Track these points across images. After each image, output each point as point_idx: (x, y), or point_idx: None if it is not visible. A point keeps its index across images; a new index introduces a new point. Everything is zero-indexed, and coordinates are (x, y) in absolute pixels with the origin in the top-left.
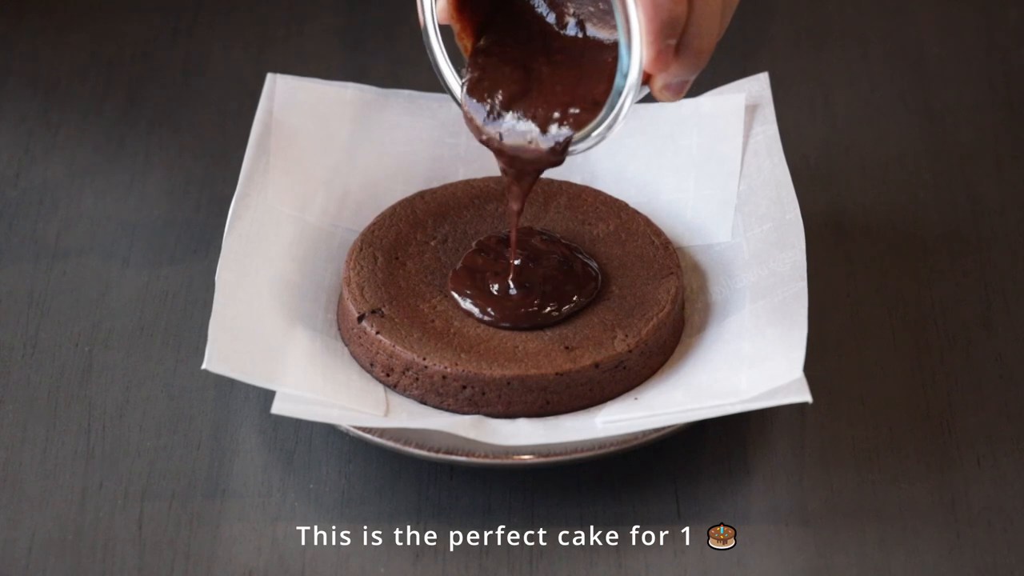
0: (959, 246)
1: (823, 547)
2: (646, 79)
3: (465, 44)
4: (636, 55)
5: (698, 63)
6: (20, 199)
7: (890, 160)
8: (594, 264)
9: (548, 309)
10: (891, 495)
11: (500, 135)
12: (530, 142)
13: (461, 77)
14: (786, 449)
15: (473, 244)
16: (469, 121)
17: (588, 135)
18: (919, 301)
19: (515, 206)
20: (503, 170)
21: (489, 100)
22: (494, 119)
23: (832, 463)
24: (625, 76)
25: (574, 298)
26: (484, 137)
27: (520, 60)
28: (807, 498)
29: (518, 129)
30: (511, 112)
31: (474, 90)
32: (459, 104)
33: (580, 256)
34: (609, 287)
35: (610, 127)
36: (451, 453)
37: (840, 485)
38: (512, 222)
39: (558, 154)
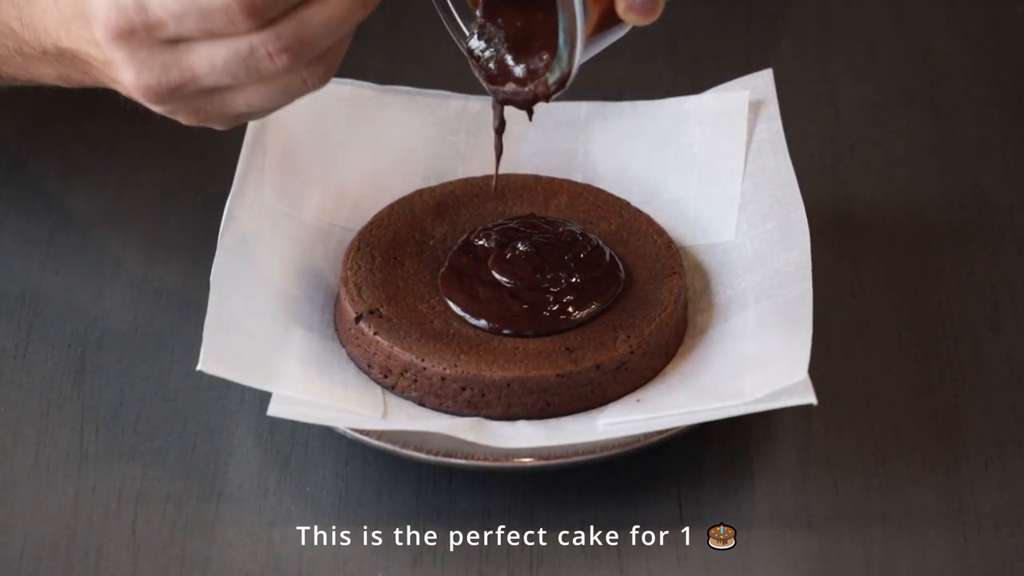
0: (966, 245)
1: (828, 551)
2: (605, 4)
3: None
4: None
5: None
6: (12, 198)
7: (896, 158)
8: (619, 264)
9: (561, 317)
10: (897, 498)
11: (503, 77)
12: (523, 80)
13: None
14: (790, 452)
15: (459, 240)
16: (475, 65)
17: (557, 64)
18: (925, 301)
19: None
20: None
21: (495, 45)
22: (498, 62)
23: (837, 466)
24: (561, 2)
25: (591, 306)
26: (488, 81)
27: (526, 7)
28: (811, 501)
29: (517, 70)
30: (514, 55)
31: (482, 34)
32: (466, 51)
33: (606, 255)
34: None
35: (568, 50)
36: (450, 456)
37: (845, 488)
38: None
39: (546, 89)
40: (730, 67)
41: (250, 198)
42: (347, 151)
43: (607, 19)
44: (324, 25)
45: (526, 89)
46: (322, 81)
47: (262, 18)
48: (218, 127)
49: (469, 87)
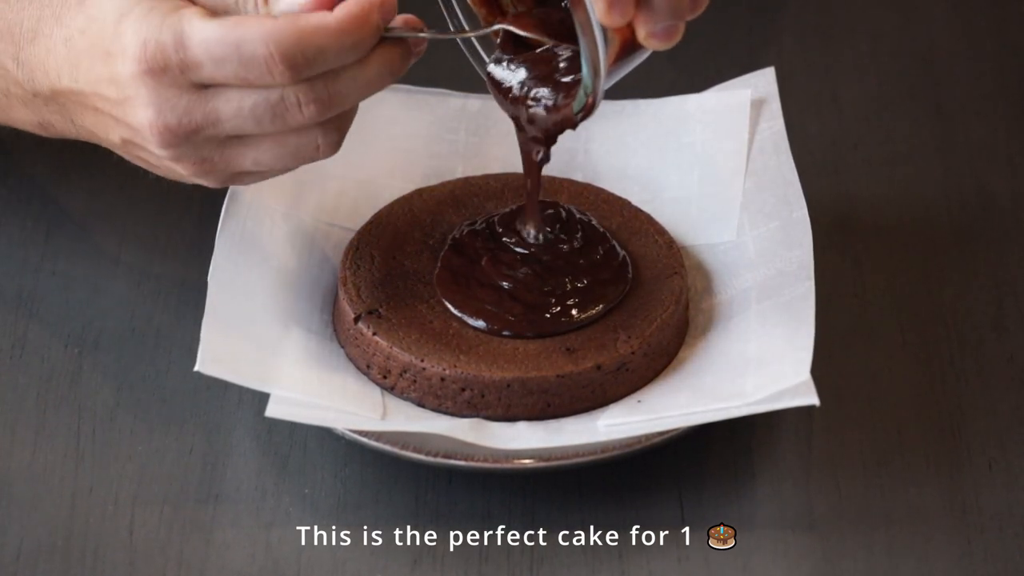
0: (969, 245)
1: (830, 553)
2: (626, 32)
3: (482, 13)
4: (585, 8)
5: (672, 5)
6: (8, 197)
7: (899, 157)
8: (629, 266)
9: (563, 319)
10: (900, 500)
11: (526, 102)
12: (551, 107)
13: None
14: (792, 453)
15: (448, 240)
16: (496, 90)
17: (582, 92)
18: (928, 301)
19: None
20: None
21: (515, 70)
22: (520, 87)
23: (839, 467)
24: (582, 29)
25: (595, 308)
26: (510, 106)
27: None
28: (814, 503)
29: (540, 95)
30: (536, 80)
31: (501, 61)
32: (488, 76)
33: (613, 250)
34: None
35: (592, 78)
36: (450, 457)
37: (847, 489)
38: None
39: (572, 116)
40: (732, 65)
41: (248, 197)
42: (345, 150)
43: (628, 45)
44: (355, 82)
45: (553, 118)
46: (333, 148)
47: (300, 75)
48: (211, 184)
49: (469, 85)
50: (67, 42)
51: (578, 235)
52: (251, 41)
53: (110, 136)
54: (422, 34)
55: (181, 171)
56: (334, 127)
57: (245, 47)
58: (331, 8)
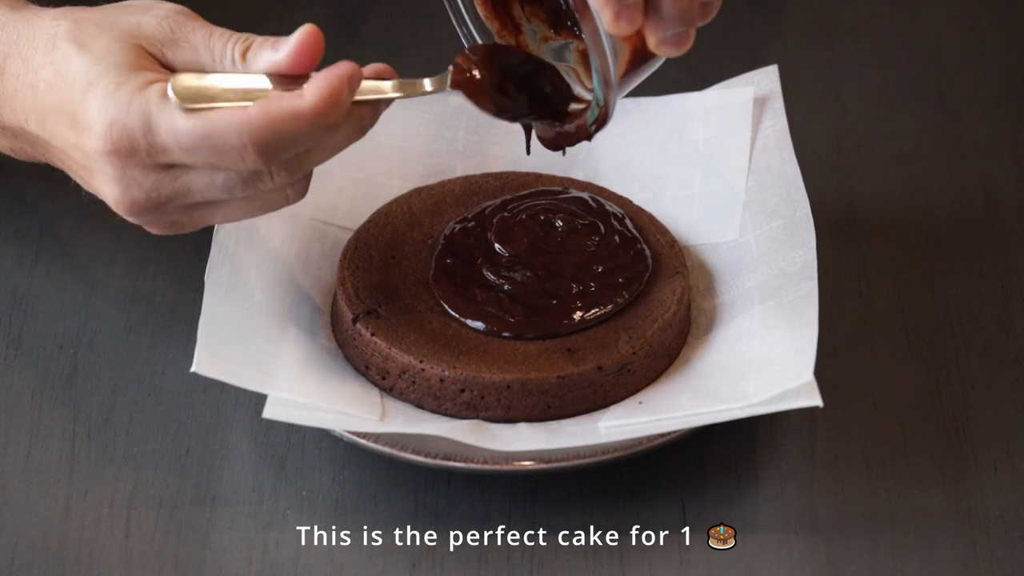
0: (974, 244)
1: (834, 556)
2: (636, 40)
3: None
4: (593, 19)
5: (682, 11)
6: (2, 196)
7: (903, 155)
8: (647, 252)
9: (564, 322)
10: (904, 502)
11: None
12: (564, 121)
13: None
14: (796, 455)
15: (441, 239)
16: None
17: (595, 104)
18: (933, 301)
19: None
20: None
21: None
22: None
23: (843, 469)
24: (591, 40)
25: (602, 310)
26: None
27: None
28: (817, 505)
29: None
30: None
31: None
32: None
33: (642, 253)
34: None
35: (603, 89)
36: (449, 459)
37: (852, 492)
38: None
39: (587, 128)
40: (734, 63)
41: None
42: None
43: (639, 54)
44: (324, 151)
45: (567, 130)
46: (302, 195)
47: (273, 161)
48: (181, 232)
49: None
50: (33, 89)
51: (616, 236)
52: (222, 134)
53: (81, 183)
54: (390, 94)
55: (149, 230)
56: (304, 178)
57: (216, 139)
58: (307, 69)
